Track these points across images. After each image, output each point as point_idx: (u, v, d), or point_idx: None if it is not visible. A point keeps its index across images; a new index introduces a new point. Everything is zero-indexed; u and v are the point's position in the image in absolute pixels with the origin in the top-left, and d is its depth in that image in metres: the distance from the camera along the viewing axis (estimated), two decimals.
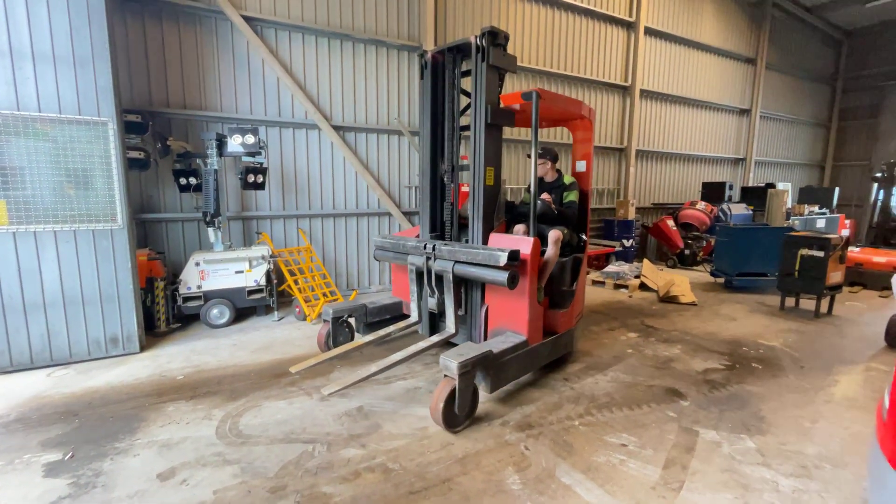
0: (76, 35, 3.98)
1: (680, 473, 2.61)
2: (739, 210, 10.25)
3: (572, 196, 4.47)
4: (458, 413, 3.01)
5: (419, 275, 4.05)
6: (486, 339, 3.80)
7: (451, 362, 2.93)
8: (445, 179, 4.25)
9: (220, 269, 5.35)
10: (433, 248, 3.80)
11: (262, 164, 5.70)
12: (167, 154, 5.61)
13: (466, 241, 3.99)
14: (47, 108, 3.95)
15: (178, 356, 4.40)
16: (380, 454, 2.77)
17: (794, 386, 3.86)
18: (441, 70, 4.17)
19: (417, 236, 4.46)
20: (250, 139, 5.35)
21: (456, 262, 3.65)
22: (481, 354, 3.09)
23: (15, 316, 3.95)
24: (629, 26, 10.04)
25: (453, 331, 3.82)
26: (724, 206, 10.21)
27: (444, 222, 4.35)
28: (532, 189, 3.85)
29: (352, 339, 4.42)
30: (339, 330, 4.29)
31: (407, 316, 4.61)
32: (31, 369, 4.03)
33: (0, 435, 2.99)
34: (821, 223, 11.20)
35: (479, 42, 3.72)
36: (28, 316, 4.00)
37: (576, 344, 4.42)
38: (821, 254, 5.78)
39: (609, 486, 2.49)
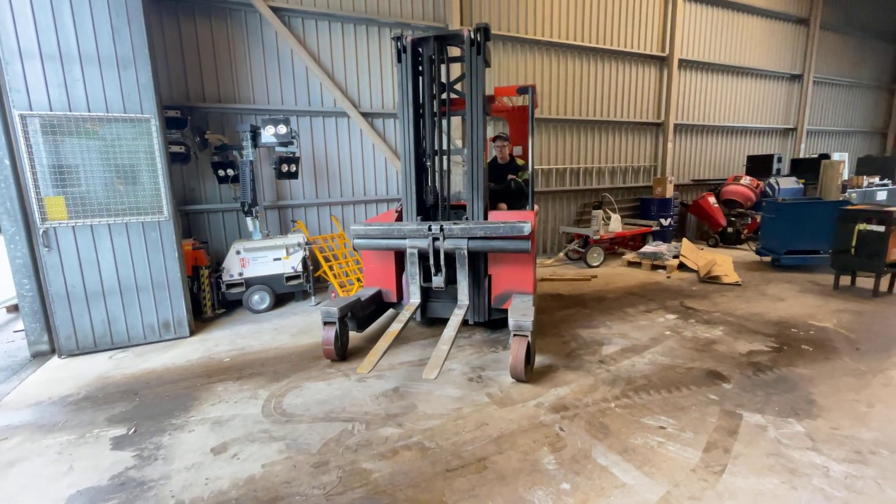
0: (117, 36, 4.16)
1: (722, 457, 2.55)
2: (789, 184, 9.62)
3: (526, 175, 5.21)
4: (529, 364, 3.48)
5: (421, 257, 4.14)
6: (491, 297, 4.24)
7: (525, 321, 3.36)
8: (428, 163, 4.35)
9: (259, 257, 5.57)
10: (441, 229, 3.93)
11: (294, 153, 5.83)
12: (206, 147, 5.83)
13: (458, 220, 4.18)
14: (96, 107, 4.18)
15: (224, 340, 4.65)
16: (416, 433, 2.85)
17: (849, 369, 3.65)
18: (417, 55, 4.30)
19: (397, 219, 4.54)
20: (282, 129, 5.47)
21: (470, 238, 3.91)
22: (533, 314, 3.52)
23: (78, 303, 4.28)
24: None
25: (467, 302, 4.09)
26: (772, 180, 9.61)
27: (430, 205, 4.45)
28: (530, 169, 4.90)
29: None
30: (343, 329, 4.08)
31: (388, 305, 4.71)
32: (95, 352, 4.37)
33: (72, 411, 3.27)
34: (882, 195, 10.37)
35: (473, 36, 4.04)
36: (90, 303, 4.32)
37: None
38: (881, 228, 5.37)
39: (647, 467, 2.46)
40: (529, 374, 3.51)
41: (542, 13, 8.18)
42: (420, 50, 4.32)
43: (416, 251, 4.10)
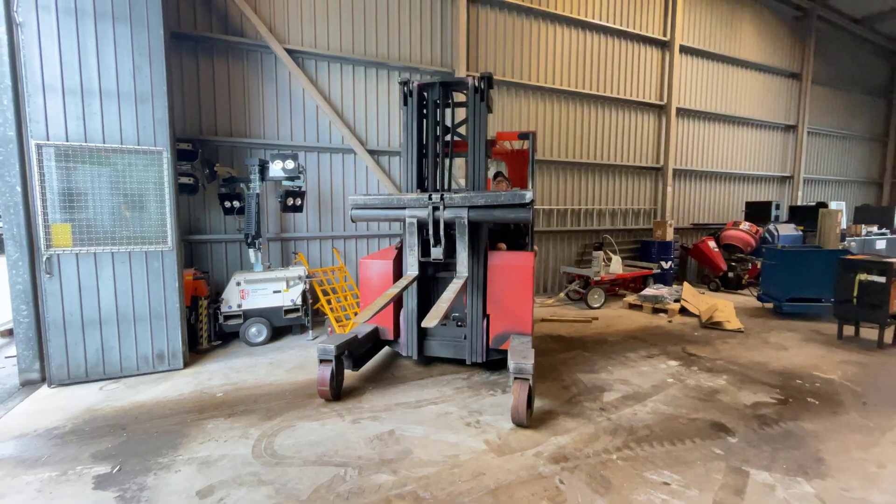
0: (138, 74, 4.34)
1: None
2: (788, 231, 9.71)
3: None
4: (530, 409, 3.39)
5: (420, 227, 4.14)
6: (489, 342, 4.21)
7: (526, 364, 3.33)
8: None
9: (259, 289, 5.55)
10: (441, 198, 3.96)
11: (300, 187, 5.94)
12: (214, 179, 5.95)
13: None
14: (110, 139, 4.30)
15: (219, 373, 4.56)
16: (411, 481, 2.74)
17: (857, 425, 3.55)
18: (422, 99, 4.51)
19: (397, 256, 4.62)
20: (290, 164, 5.60)
21: (471, 207, 3.92)
22: (533, 357, 3.52)
23: (74, 332, 4.23)
24: (663, 45, 9.92)
25: (466, 274, 4.05)
26: (771, 226, 9.71)
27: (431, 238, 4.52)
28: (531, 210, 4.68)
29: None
30: (338, 367, 3.92)
31: (384, 342, 4.66)
32: (86, 382, 4.28)
33: (57, 446, 3.17)
34: (881, 245, 10.44)
35: (477, 83, 4.25)
36: (86, 332, 4.27)
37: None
38: (882, 279, 5.37)
39: None
40: (530, 418, 3.42)
41: (545, 61, 8.55)
42: (425, 94, 4.50)
43: (415, 221, 4.09)
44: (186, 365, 4.71)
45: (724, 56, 10.83)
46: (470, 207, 3.94)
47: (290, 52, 6.39)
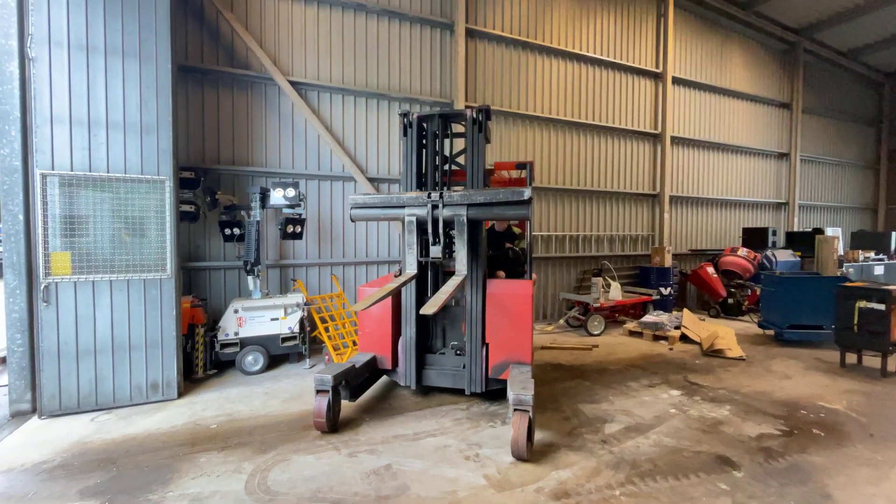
0: (145, 106, 4.45)
1: None
2: (785, 257, 9.76)
3: (524, 244, 5.35)
4: (530, 441, 3.33)
5: (419, 226, 4.10)
6: (488, 372, 4.18)
7: (525, 395, 3.30)
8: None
9: (257, 317, 5.52)
10: (440, 196, 3.95)
11: (300, 215, 5.99)
12: (215, 207, 6.00)
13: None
14: (115, 168, 4.36)
15: (213, 404, 4.48)
16: None
17: (864, 458, 3.47)
18: (422, 130, 4.60)
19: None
20: (291, 192, 5.67)
21: (470, 205, 3.91)
22: (533, 387, 3.49)
23: (68, 361, 4.18)
24: (656, 77, 10.21)
25: (465, 272, 3.98)
26: (769, 252, 9.76)
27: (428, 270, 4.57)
28: (528, 238, 4.98)
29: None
30: (335, 398, 3.86)
31: (382, 372, 4.60)
32: (77, 413, 4.20)
33: (44, 482, 3.08)
34: (879, 270, 10.46)
35: (475, 115, 4.35)
36: (80, 361, 4.22)
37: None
38: (881, 306, 5.36)
39: None
40: (530, 451, 3.35)
41: (541, 92, 8.78)
42: (425, 125, 4.60)
43: (414, 219, 4.06)
44: (181, 395, 4.63)
45: (715, 87, 11.14)
46: (469, 205, 3.93)
47: (293, 83, 6.57)
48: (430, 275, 4.55)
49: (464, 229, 3.97)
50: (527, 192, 3.77)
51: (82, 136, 4.24)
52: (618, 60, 9.59)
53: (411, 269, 4.13)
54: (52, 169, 4.14)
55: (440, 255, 4.05)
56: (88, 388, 4.26)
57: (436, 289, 4.60)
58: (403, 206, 4.10)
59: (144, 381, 4.46)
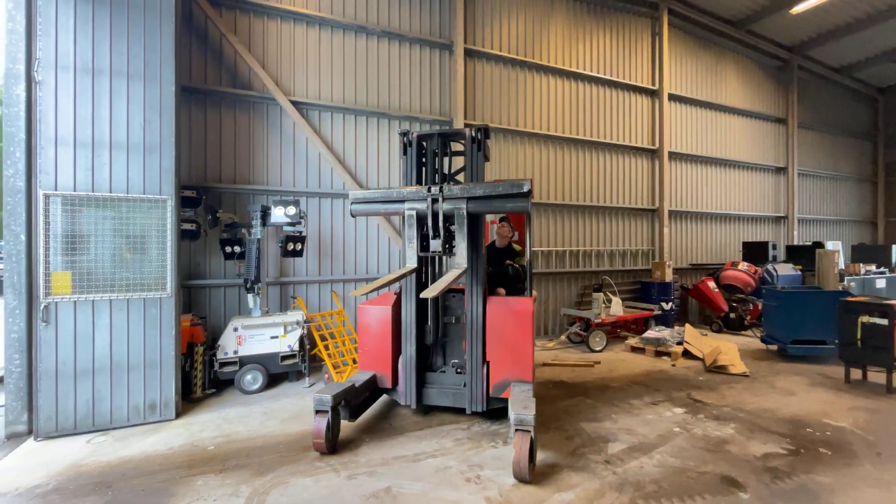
0: (148, 127, 4.52)
1: None
2: (786, 271, 9.74)
3: (524, 261, 5.27)
4: (532, 462, 3.29)
5: (419, 220, 4.09)
6: (489, 390, 4.15)
7: (527, 415, 3.26)
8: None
9: (256, 335, 5.49)
10: (440, 190, 3.96)
11: (301, 232, 6.02)
12: (216, 225, 6.03)
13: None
14: (117, 188, 4.40)
15: (211, 424, 4.43)
16: None
17: (873, 478, 3.41)
18: (421, 149, 4.68)
19: (396, 301, 4.56)
20: (292, 210, 5.71)
21: (470, 198, 3.90)
22: (535, 406, 3.46)
23: (66, 382, 4.15)
24: (653, 94, 10.36)
25: (465, 265, 3.92)
26: (770, 266, 9.74)
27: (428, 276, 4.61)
28: (528, 255, 4.95)
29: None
30: (335, 419, 3.80)
31: (382, 391, 4.56)
32: (74, 434, 4.15)
33: None
34: (881, 284, 10.44)
35: (474, 134, 4.40)
36: (77, 381, 4.19)
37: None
38: (884, 321, 5.33)
39: None
40: (532, 472, 3.30)
41: (540, 109, 8.91)
42: (424, 144, 4.66)
43: (414, 213, 4.05)
44: (178, 415, 4.59)
45: (711, 103, 11.29)
46: (469, 199, 3.93)
47: (294, 103, 6.67)
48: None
49: (464, 222, 3.95)
50: (526, 185, 3.79)
51: (86, 156, 4.29)
52: (614, 78, 9.75)
53: (411, 262, 4.12)
54: (55, 189, 4.18)
55: (440, 249, 4.05)
56: (85, 408, 4.21)
57: (436, 306, 4.60)
58: (403, 201, 4.10)
59: (142, 402, 4.42)
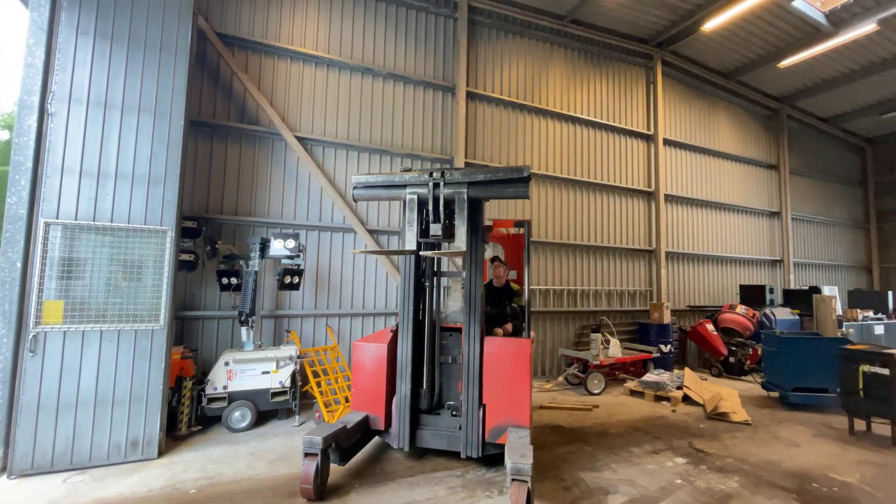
0: (155, 159, 4.59)
1: None
2: (784, 315, 9.71)
3: (522, 301, 5.31)
4: None
5: (420, 205, 4.09)
6: (485, 429, 4.02)
7: (524, 464, 3.14)
8: (427, 283, 4.60)
9: (247, 369, 5.37)
10: (441, 174, 3.99)
11: (299, 265, 6.00)
12: (214, 256, 6.02)
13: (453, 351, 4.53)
14: (119, 218, 4.43)
15: (194, 464, 4.24)
16: None
17: None
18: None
19: (392, 338, 4.49)
20: (291, 243, 5.71)
21: (471, 183, 3.98)
22: (532, 454, 3.34)
23: (47, 415, 4.01)
24: (648, 138, 10.67)
25: (464, 249, 3.91)
26: (768, 310, 9.71)
27: (425, 313, 4.56)
28: (526, 295, 5.03)
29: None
30: (324, 462, 3.65)
31: (375, 433, 4.43)
32: (50, 473, 3.97)
33: None
34: (879, 330, 10.37)
35: None
36: (59, 415, 4.05)
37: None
38: (885, 371, 5.26)
39: None
40: None
41: (538, 150, 9.13)
42: None
43: (415, 197, 4.05)
44: (161, 454, 4.40)
45: (705, 148, 11.62)
46: (470, 184, 3.99)
47: (300, 139, 6.83)
48: (427, 334, 4.49)
49: (464, 206, 3.98)
50: (526, 170, 3.92)
51: (90, 186, 4.34)
52: (611, 122, 10.06)
53: (410, 245, 4.10)
54: (57, 218, 4.20)
55: (440, 234, 4.06)
56: (65, 444, 4.05)
57: (432, 345, 4.52)
58: (405, 185, 4.15)
59: (124, 439, 4.25)
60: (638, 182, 10.45)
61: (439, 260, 4.65)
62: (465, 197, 3.99)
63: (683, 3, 9.05)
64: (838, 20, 9.54)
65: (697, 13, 9.17)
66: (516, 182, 3.99)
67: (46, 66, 4.36)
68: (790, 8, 9.03)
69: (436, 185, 4.03)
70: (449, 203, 4.07)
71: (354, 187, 4.37)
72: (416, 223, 4.12)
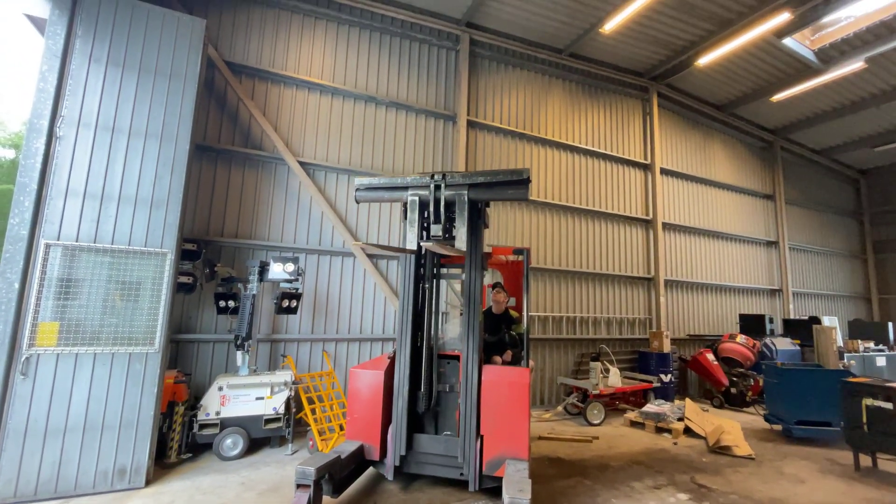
0: (159, 182, 4.65)
1: None
2: (785, 345, 9.62)
3: (521, 329, 5.33)
4: None
5: (422, 206, 4.15)
6: (482, 460, 3.95)
7: (522, 500, 3.13)
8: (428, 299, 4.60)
9: (241, 395, 5.28)
10: (443, 177, 4.06)
11: (297, 289, 5.99)
12: (213, 278, 6.01)
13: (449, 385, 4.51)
14: (119, 241, 4.45)
15: (183, 495, 4.12)
16: None
17: None
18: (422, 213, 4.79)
19: (389, 365, 4.45)
20: (290, 267, 5.72)
21: (471, 185, 4.04)
22: (530, 489, 3.29)
23: (34, 441, 3.92)
24: (645, 168, 10.84)
25: (464, 249, 3.96)
26: (768, 340, 9.64)
27: (423, 340, 4.51)
28: (525, 323, 5.05)
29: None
30: (316, 494, 3.54)
31: (370, 464, 4.32)
32: (32, 502, 3.84)
33: None
34: (881, 362, 10.28)
35: None
36: (46, 441, 3.96)
37: None
38: (889, 405, 5.18)
39: None
40: None
41: (537, 178, 9.26)
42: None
43: (416, 199, 4.09)
44: (149, 483, 4.28)
45: (701, 178, 11.78)
46: (471, 185, 4.05)
47: (302, 164, 6.94)
48: (425, 361, 4.44)
49: (464, 208, 4.03)
50: (526, 172, 4.01)
51: (93, 208, 4.38)
52: (608, 152, 10.24)
53: (411, 245, 4.14)
54: (58, 239, 4.22)
55: (440, 234, 4.09)
56: (50, 471, 3.94)
57: (430, 375, 4.46)
58: (407, 188, 4.23)
59: (112, 466, 4.14)
60: (636, 210, 10.55)
61: (438, 288, 4.64)
62: (466, 199, 4.07)
63: (677, 40, 9.36)
64: (827, 58, 9.86)
65: (691, 49, 9.48)
66: (516, 184, 4.09)
67: (58, 92, 4.47)
68: (781, 46, 9.34)
69: (437, 187, 4.12)
70: (450, 205, 4.16)
71: (357, 189, 4.48)
72: (416, 223, 4.19)
